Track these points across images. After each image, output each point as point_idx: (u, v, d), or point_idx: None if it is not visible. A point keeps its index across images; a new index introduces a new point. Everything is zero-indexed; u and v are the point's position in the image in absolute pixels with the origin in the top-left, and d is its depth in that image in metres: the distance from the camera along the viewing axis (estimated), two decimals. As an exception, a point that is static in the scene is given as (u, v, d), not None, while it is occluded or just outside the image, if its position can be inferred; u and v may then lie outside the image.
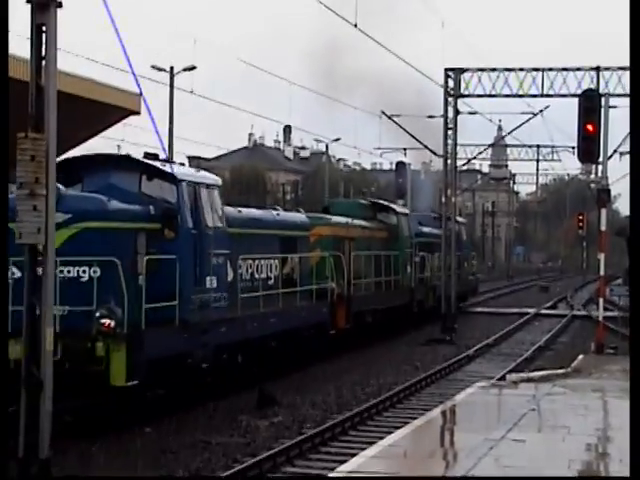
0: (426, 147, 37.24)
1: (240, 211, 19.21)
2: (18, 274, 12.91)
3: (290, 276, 21.08)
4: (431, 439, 12.58)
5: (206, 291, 16.23)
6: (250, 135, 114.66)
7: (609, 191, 24.12)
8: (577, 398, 15.48)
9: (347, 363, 22.93)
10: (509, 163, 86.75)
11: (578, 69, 32.31)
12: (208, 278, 16.29)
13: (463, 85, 33.55)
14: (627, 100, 32.75)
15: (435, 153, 36.87)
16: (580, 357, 21.66)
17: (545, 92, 32.74)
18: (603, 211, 23.95)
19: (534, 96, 33.36)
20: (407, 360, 23.97)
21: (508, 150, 69.13)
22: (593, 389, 16.60)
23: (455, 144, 33.92)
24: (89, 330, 13.76)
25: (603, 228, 24.23)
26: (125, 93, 23.72)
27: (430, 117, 38.34)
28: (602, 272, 24.47)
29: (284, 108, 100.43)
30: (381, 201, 33.49)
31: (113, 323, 13.77)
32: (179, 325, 15.26)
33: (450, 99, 33.49)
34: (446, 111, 33.54)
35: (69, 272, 14.11)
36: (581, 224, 79.09)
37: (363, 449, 11.88)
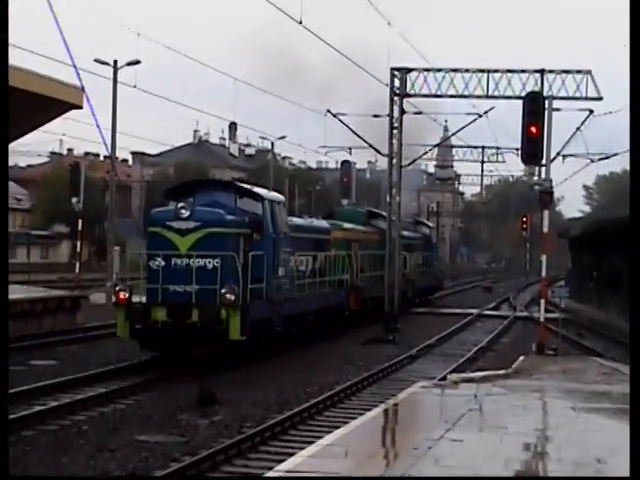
0: (371, 146, 37.37)
1: (291, 220, 25.64)
2: (163, 263, 20.57)
3: (320, 269, 27.82)
4: (371, 438, 12.62)
5: (279, 277, 23.18)
6: (195, 132, 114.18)
7: (552, 193, 24.42)
8: (516, 398, 15.63)
9: (289, 362, 22.94)
10: (454, 164, 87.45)
11: (523, 71, 32.67)
12: (280, 268, 23.22)
13: (409, 85, 33.75)
14: (570, 103, 33.21)
15: (380, 152, 37.03)
16: (521, 358, 21.88)
17: (490, 94, 33.05)
18: (546, 213, 24.25)
19: (479, 97, 33.65)
20: (348, 359, 24.04)
21: (453, 151, 69.64)
22: (532, 390, 16.78)
23: (400, 144, 34.08)
24: (215, 302, 20.20)
25: (545, 230, 24.52)
26: (66, 86, 23.40)
27: (375, 116, 38.45)
28: (544, 273, 24.73)
29: (229, 105, 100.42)
30: (374, 209, 41.36)
31: (233, 297, 20.16)
32: (266, 300, 22.07)
33: (396, 98, 33.65)
34: (392, 110, 33.69)
35: (199, 262, 20.51)
36: (525, 226, 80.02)
37: (302, 448, 11.89)
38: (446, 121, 56.08)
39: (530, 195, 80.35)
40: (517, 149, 45.94)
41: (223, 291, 20.15)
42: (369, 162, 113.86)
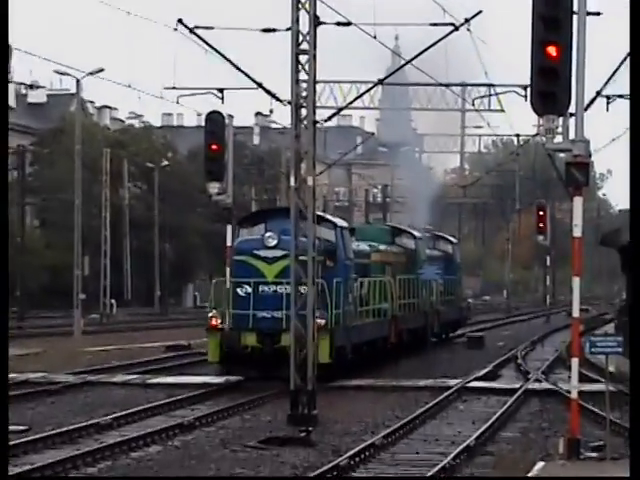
0: (260, 86, 37.44)
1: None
2: (250, 290, 39.65)
3: (366, 296, 44.74)
4: None
5: (349, 304, 40.66)
6: None
7: (588, 165, 24.44)
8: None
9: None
10: (413, 116, 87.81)
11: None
12: (350, 295, 40.43)
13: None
14: (612, 3, 33.63)
15: (277, 98, 37.12)
16: (539, 465, 22.08)
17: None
18: (578, 201, 24.30)
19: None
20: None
21: (411, 92, 70.00)
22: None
23: (314, 81, 34.01)
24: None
25: (578, 233, 24.51)
26: None
27: (267, 31, 38.53)
28: (576, 311, 24.74)
29: None
30: (399, 226, 61.11)
31: (323, 321, 36.15)
32: (343, 326, 39.74)
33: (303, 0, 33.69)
34: (296, 21, 33.65)
35: (287, 289, 35.71)
36: (542, 225, 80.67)
37: None
38: (397, 38, 56.47)
39: (550, 170, 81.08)
40: (524, 87, 46.52)
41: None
42: (259, 115, 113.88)
